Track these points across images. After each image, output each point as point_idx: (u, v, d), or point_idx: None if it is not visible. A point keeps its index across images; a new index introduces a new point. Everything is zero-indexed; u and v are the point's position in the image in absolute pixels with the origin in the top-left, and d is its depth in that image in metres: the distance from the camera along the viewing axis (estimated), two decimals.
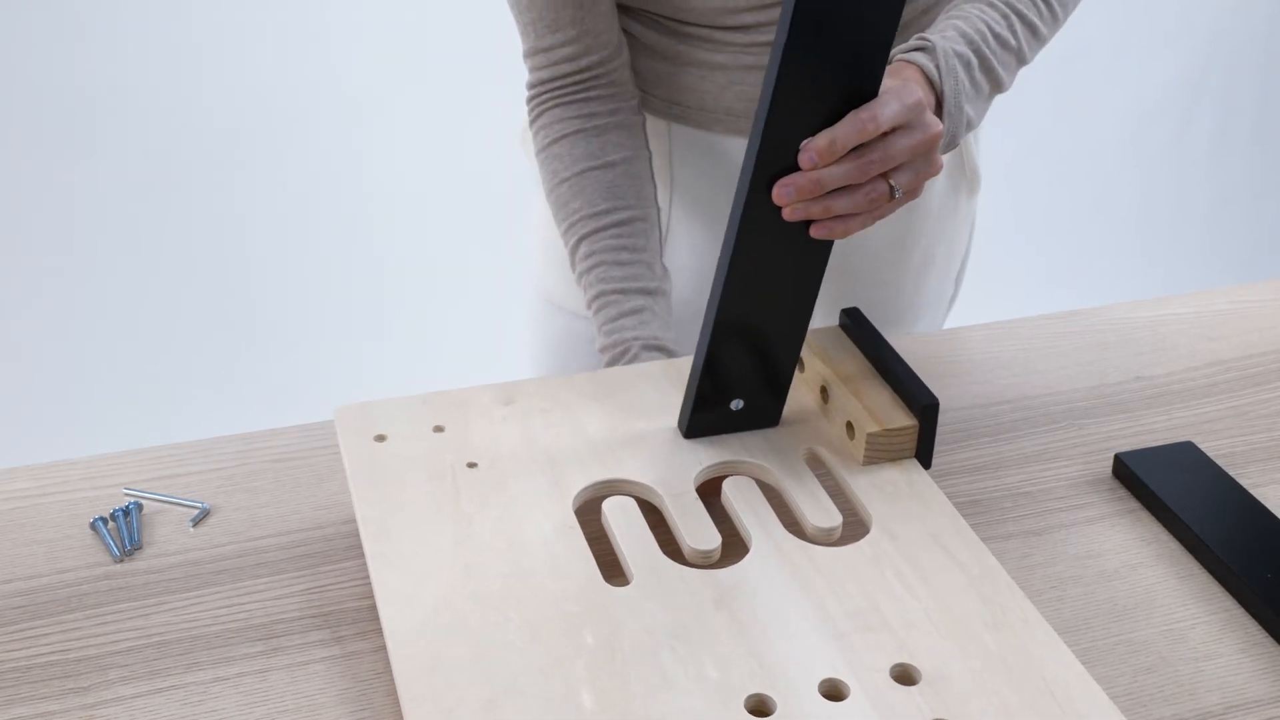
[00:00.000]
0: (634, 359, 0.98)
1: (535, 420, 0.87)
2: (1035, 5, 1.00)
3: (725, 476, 0.84)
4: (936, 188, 1.18)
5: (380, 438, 0.85)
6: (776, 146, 0.78)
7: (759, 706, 0.68)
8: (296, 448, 0.97)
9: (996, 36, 0.95)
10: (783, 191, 0.78)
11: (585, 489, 0.82)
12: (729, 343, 0.84)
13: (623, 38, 1.06)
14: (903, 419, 0.84)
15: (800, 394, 0.90)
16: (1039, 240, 2.92)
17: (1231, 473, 0.95)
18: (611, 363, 0.99)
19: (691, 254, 1.17)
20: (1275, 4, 2.95)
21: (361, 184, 2.32)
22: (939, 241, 1.21)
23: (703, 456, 0.85)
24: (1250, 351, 1.12)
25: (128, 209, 2.31)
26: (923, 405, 0.84)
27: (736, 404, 0.86)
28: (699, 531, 0.79)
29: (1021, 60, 0.99)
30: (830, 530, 0.79)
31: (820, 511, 0.81)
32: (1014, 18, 0.97)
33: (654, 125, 1.13)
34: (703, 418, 0.86)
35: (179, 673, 0.76)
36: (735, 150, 1.12)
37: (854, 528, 0.81)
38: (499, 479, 0.82)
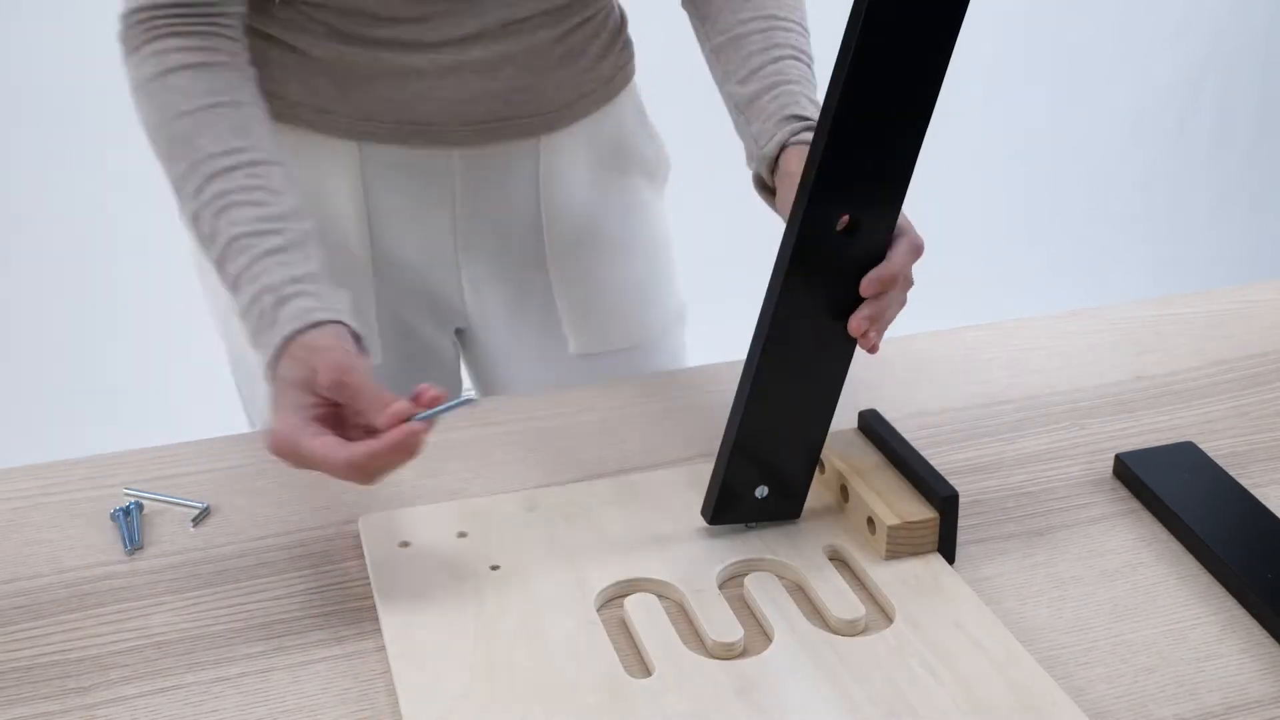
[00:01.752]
0: (282, 303, 0.85)
1: (558, 524, 0.87)
2: (806, 34, 1.04)
3: (747, 574, 0.84)
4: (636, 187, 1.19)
5: (404, 544, 0.85)
6: (814, 232, 0.80)
7: None
8: None
9: (807, 57, 1.02)
10: (858, 324, 0.84)
11: (607, 588, 0.82)
12: (757, 427, 0.84)
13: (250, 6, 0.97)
14: (923, 511, 0.84)
15: (820, 495, 0.90)
16: (1039, 240, 2.92)
17: (1233, 473, 0.95)
18: (257, 322, 0.86)
19: (395, 286, 1.11)
20: (1275, 4, 2.95)
21: None
22: (638, 224, 1.20)
23: (724, 555, 0.85)
24: (1252, 351, 1.12)
25: (127, 208, 2.31)
26: (942, 497, 0.84)
27: (761, 491, 0.86)
28: (722, 624, 0.79)
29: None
30: (854, 621, 0.79)
31: (843, 603, 0.81)
32: (806, 56, 1.02)
33: (339, 147, 1.05)
34: (727, 504, 0.86)
35: (180, 673, 0.76)
36: (439, 164, 1.07)
37: (877, 621, 0.81)
38: (522, 580, 0.82)
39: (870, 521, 0.85)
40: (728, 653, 0.77)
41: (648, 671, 0.76)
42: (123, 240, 2.33)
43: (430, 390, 0.81)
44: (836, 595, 0.81)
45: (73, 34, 2.18)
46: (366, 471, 0.79)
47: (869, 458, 0.90)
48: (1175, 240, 3.04)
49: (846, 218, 0.80)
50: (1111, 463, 0.96)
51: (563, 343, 1.17)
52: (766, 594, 0.82)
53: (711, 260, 1.91)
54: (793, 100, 0.98)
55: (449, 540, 0.86)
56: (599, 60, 1.10)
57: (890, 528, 0.83)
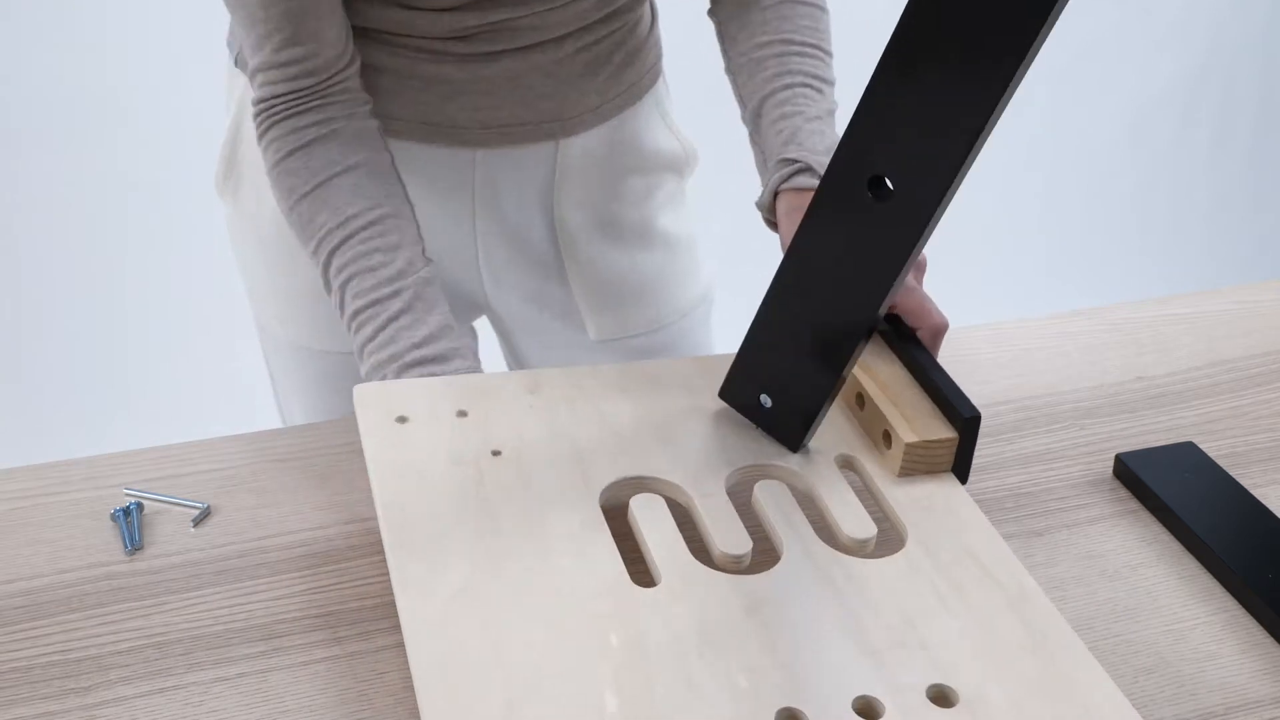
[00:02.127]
0: (403, 372, 0.91)
1: (560, 409, 0.84)
2: (825, 58, 1.04)
3: (757, 480, 0.82)
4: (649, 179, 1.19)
5: (402, 419, 0.83)
6: (845, 179, 0.75)
7: (791, 718, 0.66)
8: (298, 448, 0.97)
9: (825, 89, 1.02)
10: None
11: (613, 484, 0.79)
12: (772, 333, 0.81)
13: (353, 43, 1.00)
14: (943, 430, 0.82)
15: (835, 402, 0.87)
16: (1039, 240, 2.92)
17: (1233, 473, 0.95)
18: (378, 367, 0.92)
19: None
20: (1275, 4, 2.95)
21: None
22: (669, 217, 1.22)
23: (734, 457, 0.82)
24: (1252, 351, 1.12)
25: (128, 208, 2.31)
26: (965, 418, 0.81)
27: (765, 400, 0.83)
28: (730, 535, 0.76)
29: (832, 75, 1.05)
30: (865, 542, 0.77)
31: (855, 522, 0.78)
32: (818, 82, 1.02)
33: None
34: (736, 390, 0.84)
35: (180, 673, 0.76)
36: (460, 161, 1.09)
37: (888, 540, 0.79)
38: (524, 469, 0.79)
39: (886, 435, 0.83)
40: (735, 566, 0.75)
41: (653, 580, 0.73)
42: (123, 241, 2.33)
43: None
44: (848, 512, 0.78)
45: (93, 36, 2.19)
46: None
47: (889, 366, 0.86)
48: (1175, 240, 3.04)
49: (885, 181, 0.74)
50: (1112, 463, 0.96)
51: (583, 330, 1.20)
52: (776, 505, 0.79)
53: (742, 249, 1.90)
54: (792, 137, 0.99)
55: (448, 418, 0.83)
56: (624, 68, 1.12)
57: (908, 445, 0.81)
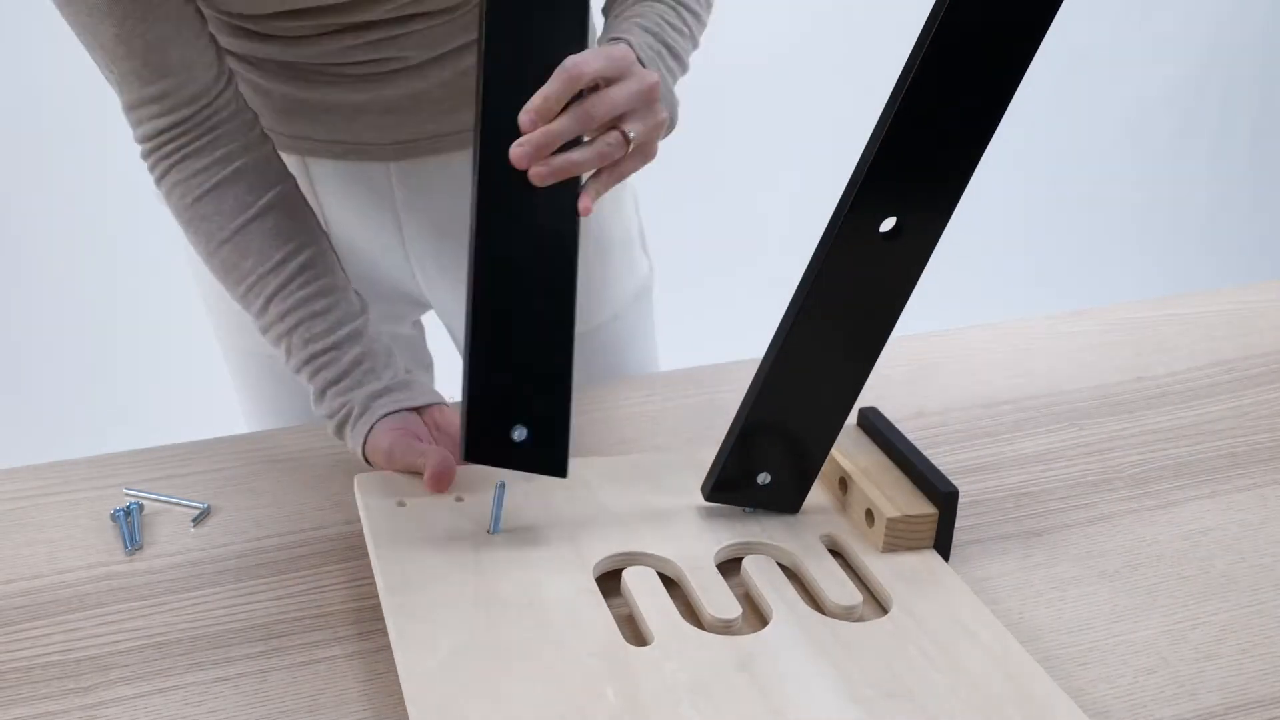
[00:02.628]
0: (361, 415, 0.92)
1: (556, 495, 0.87)
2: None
3: (744, 556, 0.84)
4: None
5: (401, 503, 0.86)
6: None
7: None
8: (297, 448, 0.97)
9: (673, 25, 0.97)
10: (519, 153, 0.78)
11: (606, 559, 0.82)
12: (770, 413, 0.83)
13: (224, 61, 0.96)
14: (923, 506, 0.84)
15: (818, 489, 0.90)
16: (1040, 241, 2.92)
17: (1233, 473, 0.95)
18: (339, 426, 0.93)
19: (356, 276, 1.11)
20: (1275, 5, 2.95)
21: None
22: (603, 216, 1.19)
23: (722, 536, 0.85)
24: (1252, 352, 1.13)
25: (128, 209, 2.30)
26: (943, 493, 0.84)
27: (764, 478, 0.86)
28: (720, 601, 0.79)
29: (694, 44, 1.00)
30: (851, 608, 0.79)
31: (840, 590, 0.80)
32: (680, 8, 0.98)
33: (285, 158, 1.05)
34: (728, 483, 0.86)
35: (180, 673, 0.76)
36: (375, 174, 1.09)
37: (873, 610, 0.81)
38: (519, 545, 0.83)
39: (869, 514, 0.85)
40: (725, 629, 0.77)
41: (645, 641, 0.76)
42: (124, 242, 2.33)
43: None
44: (833, 582, 0.81)
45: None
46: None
47: (869, 454, 0.90)
48: (1175, 240, 3.04)
49: (894, 220, 0.78)
50: (1111, 463, 0.96)
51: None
52: (764, 576, 0.81)
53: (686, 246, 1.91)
54: (619, 29, 0.96)
55: (446, 502, 0.86)
56: None
57: (890, 520, 0.83)
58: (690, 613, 0.79)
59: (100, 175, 2.27)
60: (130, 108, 0.94)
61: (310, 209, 0.98)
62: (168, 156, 0.94)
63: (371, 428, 0.90)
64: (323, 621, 0.81)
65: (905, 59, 0.74)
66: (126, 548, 0.86)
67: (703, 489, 0.87)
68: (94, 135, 2.25)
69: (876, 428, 0.91)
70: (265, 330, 0.95)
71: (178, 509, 0.90)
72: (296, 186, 0.98)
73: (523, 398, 0.83)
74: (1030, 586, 0.84)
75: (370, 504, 0.85)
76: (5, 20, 2.17)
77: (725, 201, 2.56)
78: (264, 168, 0.96)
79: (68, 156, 2.27)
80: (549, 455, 0.84)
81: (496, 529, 0.84)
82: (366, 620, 0.80)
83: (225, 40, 1.01)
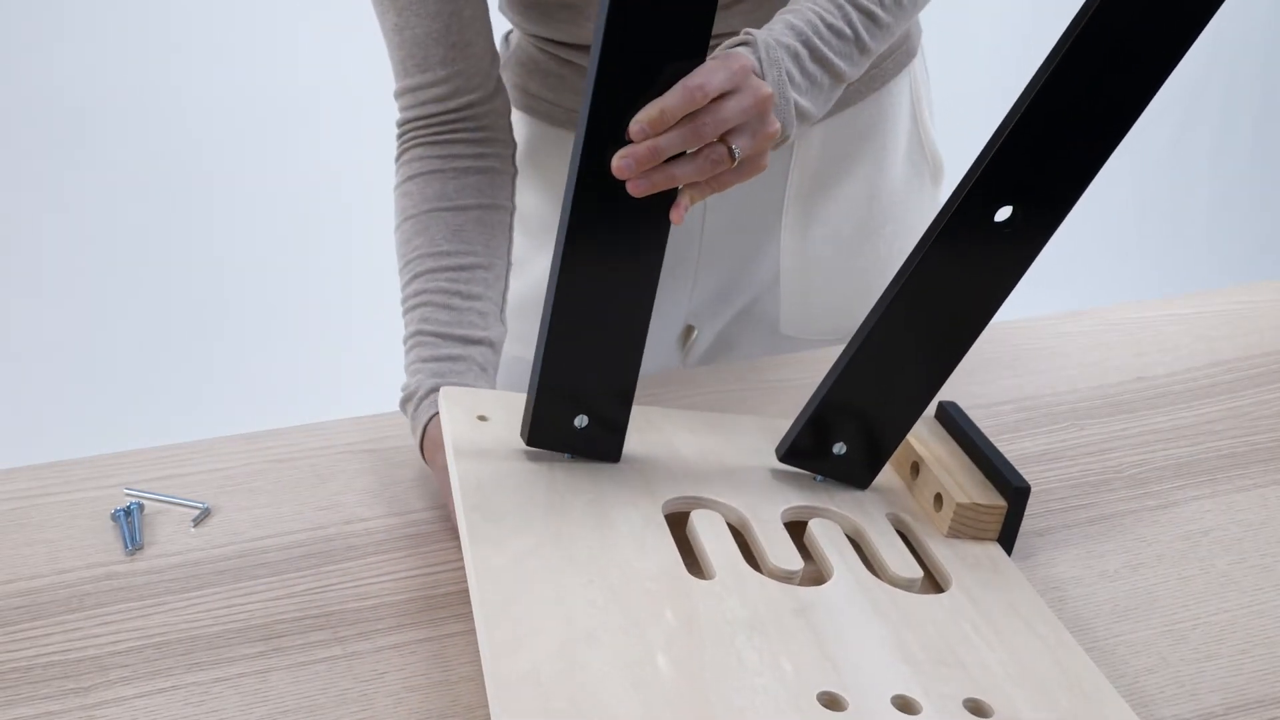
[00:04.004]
0: (421, 401, 0.92)
1: (631, 436, 0.87)
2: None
3: (810, 518, 0.84)
4: (897, 175, 1.17)
5: (483, 418, 0.86)
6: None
7: (831, 702, 0.68)
8: (297, 448, 0.97)
9: (829, 26, 0.94)
10: (622, 164, 0.76)
11: (675, 499, 0.82)
12: (854, 389, 0.84)
13: (501, 85, 1.02)
14: (993, 498, 0.85)
15: (889, 472, 0.90)
16: None
17: (1233, 473, 0.95)
18: (402, 403, 0.94)
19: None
20: (1275, 5, 2.95)
21: (362, 183, 2.33)
22: (904, 231, 1.19)
23: (791, 497, 0.85)
24: (1251, 352, 1.13)
25: (128, 210, 2.31)
26: (1014, 488, 0.84)
27: (839, 448, 0.86)
28: (783, 553, 0.79)
29: (864, 49, 0.97)
30: (911, 580, 0.79)
31: (902, 562, 0.81)
32: (849, 7, 0.96)
33: None
34: (803, 449, 0.86)
35: (180, 673, 0.76)
36: None
37: (932, 588, 0.81)
38: (593, 473, 0.83)
39: (938, 498, 0.86)
40: (786, 579, 0.77)
41: (707, 577, 0.76)
42: (124, 242, 2.33)
43: None
44: (895, 554, 0.81)
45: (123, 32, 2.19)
46: None
47: (944, 444, 0.90)
48: (1175, 240, 3.04)
49: (1010, 210, 0.76)
50: (1112, 462, 0.96)
51: (774, 322, 1.20)
52: (828, 538, 0.82)
53: None
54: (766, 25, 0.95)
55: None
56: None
57: (959, 505, 0.84)
58: (753, 562, 0.79)
59: (101, 175, 2.27)
60: (396, 94, 1.00)
61: (508, 238, 1.02)
62: (408, 141, 1.01)
63: (434, 416, 0.91)
64: (323, 621, 0.81)
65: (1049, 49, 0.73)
66: (126, 548, 0.86)
67: (777, 450, 0.87)
68: (94, 135, 2.26)
69: (954, 421, 0.91)
70: (402, 304, 0.98)
71: (178, 509, 0.90)
72: (510, 215, 1.02)
73: (589, 389, 0.83)
74: (1032, 586, 0.84)
75: (454, 414, 0.86)
76: (5, 20, 2.17)
77: None
78: (487, 181, 1.00)
79: (68, 156, 2.27)
80: (606, 444, 0.85)
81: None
82: (366, 620, 0.80)
83: (534, 26, 1.05)
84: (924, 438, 0.90)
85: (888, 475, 0.90)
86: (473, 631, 0.79)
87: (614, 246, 0.79)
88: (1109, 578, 0.85)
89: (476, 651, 0.77)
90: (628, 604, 0.71)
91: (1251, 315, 1.18)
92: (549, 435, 0.84)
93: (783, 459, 0.86)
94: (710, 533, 0.80)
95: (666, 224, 0.79)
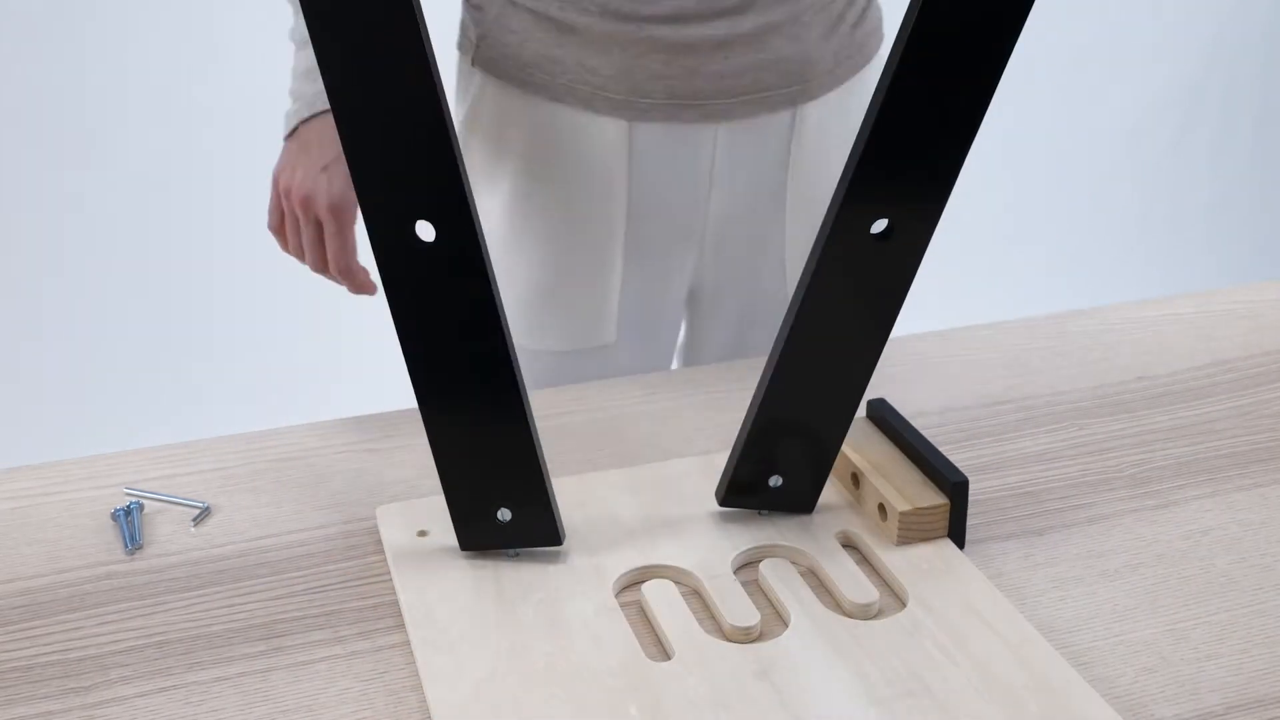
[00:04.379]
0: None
1: (573, 513, 0.88)
2: None
3: (761, 560, 0.85)
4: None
5: (422, 533, 0.86)
6: (848, 233, 0.77)
7: None
8: (298, 447, 0.97)
9: None
10: None
11: (624, 574, 0.83)
12: (777, 414, 0.84)
13: None
14: (934, 498, 0.85)
15: (831, 484, 0.91)
16: (1040, 240, 2.92)
17: (1233, 472, 0.95)
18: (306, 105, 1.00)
19: (641, 261, 1.15)
20: (1275, 5, 2.95)
21: None
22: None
23: (739, 541, 0.85)
24: (1252, 351, 1.13)
25: (128, 210, 2.31)
26: (953, 483, 0.85)
27: (775, 480, 0.86)
28: (738, 609, 0.79)
29: None
30: (867, 606, 0.80)
31: (856, 588, 0.81)
32: None
33: (608, 126, 1.09)
34: (741, 488, 0.86)
35: (180, 672, 0.76)
36: (704, 138, 1.11)
37: (890, 605, 0.81)
38: (540, 567, 0.83)
39: (881, 508, 0.86)
40: (745, 637, 0.78)
41: (667, 655, 0.77)
42: (124, 242, 2.33)
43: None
44: (850, 579, 0.82)
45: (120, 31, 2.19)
46: (328, 267, 1.01)
47: (879, 447, 0.90)
48: (1175, 240, 3.03)
49: (885, 222, 0.78)
50: (1111, 463, 0.96)
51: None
52: (781, 580, 0.82)
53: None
54: None
55: None
56: (856, 26, 1.13)
57: (901, 514, 0.84)
58: (712, 621, 0.80)
59: (101, 175, 2.27)
60: None
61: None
62: None
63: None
64: (323, 621, 0.81)
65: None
66: (127, 547, 0.86)
67: (716, 494, 0.87)
68: (95, 135, 2.26)
69: (886, 420, 0.92)
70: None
71: (178, 508, 0.90)
72: None
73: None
74: (1030, 586, 0.84)
75: (392, 537, 0.86)
76: (6, 20, 2.17)
77: None
78: None
79: (68, 156, 2.27)
80: (539, 529, 0.84)
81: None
82: (367, 620, 0.80)
83: None
84: (859, 445, 0.91)
85: (832, 489, 0.90)
86: None
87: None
88: (1109, 577, 0.85)
89: None
90: (592, 711, 0.72)
91: (1252, 315, 1.18)
92: (480, 536, 0.83)
93: (723, 503, 0.87)
94: (664, 606, 0.80)
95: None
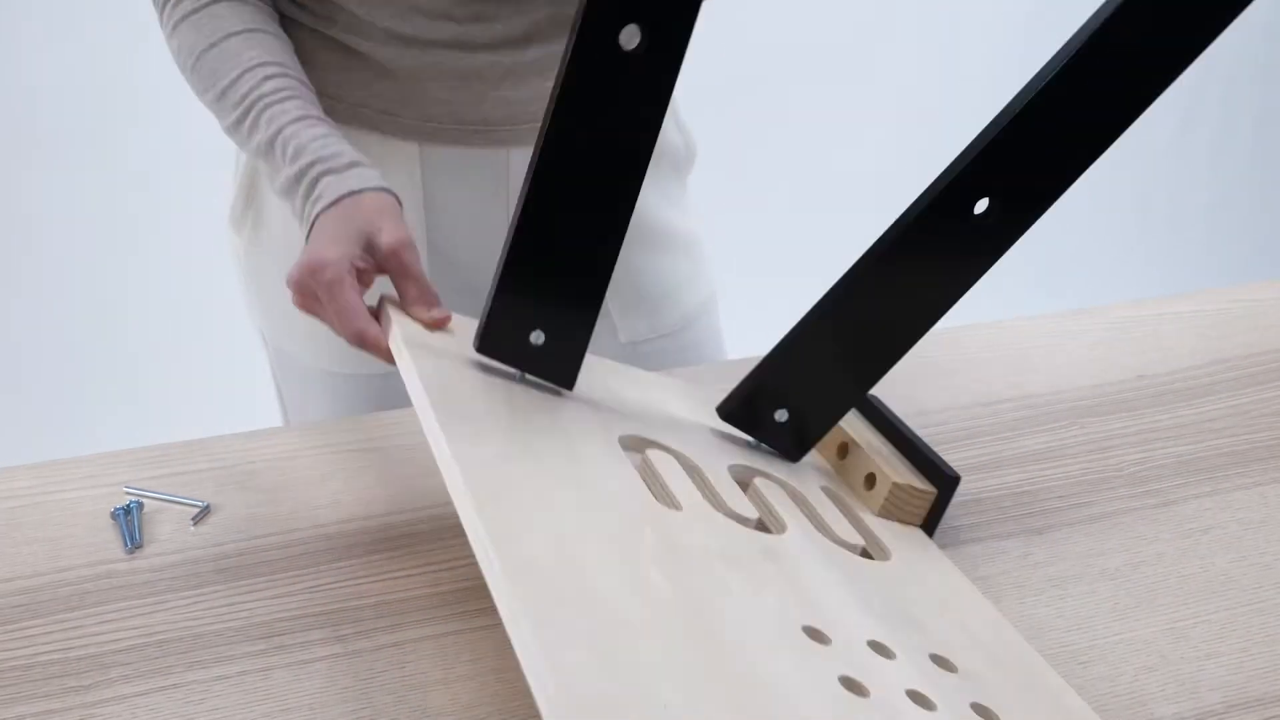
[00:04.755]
0: (351, 167, 0.92)
1: (580, 382, 0.85)
2: None
3: (755, 478, 0.84)
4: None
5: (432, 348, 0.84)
6: (952, 198, 0.76)
7: (816, 636, 0.67)
8: (298, 447, 0.97)
9: None
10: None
11: (629, 436, 0.81)
12: (812, 351, 0.83)
13: None
14: (925, 484, 0.85)
15: (812, 452, 0.90)
16: (1040, 240, 2.92)
17: (1233, 471, 0.95)
18: (317, 177, 0.92)
19: (456, 276, 1.12)
20: (1275, 5, 2.95)
21: None
22: (670, 220, 1.21)
23: (734, 455, 0.85)
24: (1251, 350, 1.13)
25: (127, 208, 2.31)
26: (946, 476, 0.85)
27: (780, 415, 0.85)
28: (739, 501, 0.78)
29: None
30: (854, 546, 0.80)
31: (844, 529, 0.81)
32: None
33: (400, 148, 1.08)
34: (746, 407, 0.85)
35: (180, 671, 0.76)
36: (496, 162, 1.09)
37: (876, 554, 0.81)
38: (547, 399, 0.80)
39: (870, 477, 0.86)
40: (743, 525, 0.77)
41: (676, 507, 0.75)
42: (124, 241, 2.33)
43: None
44: (837, 521, 0.81)
45: (108, 35, 2.19)
46: (366, 348, 0.86)
47: (871, 431, 0.90)
48: (1175, 240, 3.04)
49: (987, 203, 0.76)
50: (1111, 462, 0.96)
51: (613, 332, 1.20)
52: (776, 496, 0.81)
53: (742, 248, 1.90)
54: None
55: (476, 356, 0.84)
56: None
57: (895, 484, 0.84)
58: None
59: (100, 174, 2.27)
60: None
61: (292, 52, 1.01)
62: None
63: (367, 191, 0.91)
64: (324, 620, 0.81)
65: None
66: (126, 546, 0.86)
67: (719, 408, 0.86)
68: (94, 135, 2.26)
69: (879, 411, 0.92)
70: (248, 109, 0.96)
71: (177, 507, 0.90)
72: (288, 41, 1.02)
73: (550, 305, 0.81)
74: (1030, 585, 0.84)
75: (402, 320, 0.84)
76: (6, 20, 2.17)
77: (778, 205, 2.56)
78: (259, 12, 1.01)
79: (68, 155, 2.27)
80: (560, 366, 0.82)
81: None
82: (367, 618, 0.80)
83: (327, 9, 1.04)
84: (852, 421, 0.91)
85: (814, 456, 0.90)
86: (474, 630, 0.79)
87: (593, 154, 0.76)
88: (1109, 576, 0.85)
89: (477, 650, 0.77)
90: (608, 517, 0.69)
91: (1252, 314, 1.18)
92: (501, 346, 0.81)
93: (724, 417, 0.86)
94: (670, 472, 0.78)
95: (652, 136, 0.76)
